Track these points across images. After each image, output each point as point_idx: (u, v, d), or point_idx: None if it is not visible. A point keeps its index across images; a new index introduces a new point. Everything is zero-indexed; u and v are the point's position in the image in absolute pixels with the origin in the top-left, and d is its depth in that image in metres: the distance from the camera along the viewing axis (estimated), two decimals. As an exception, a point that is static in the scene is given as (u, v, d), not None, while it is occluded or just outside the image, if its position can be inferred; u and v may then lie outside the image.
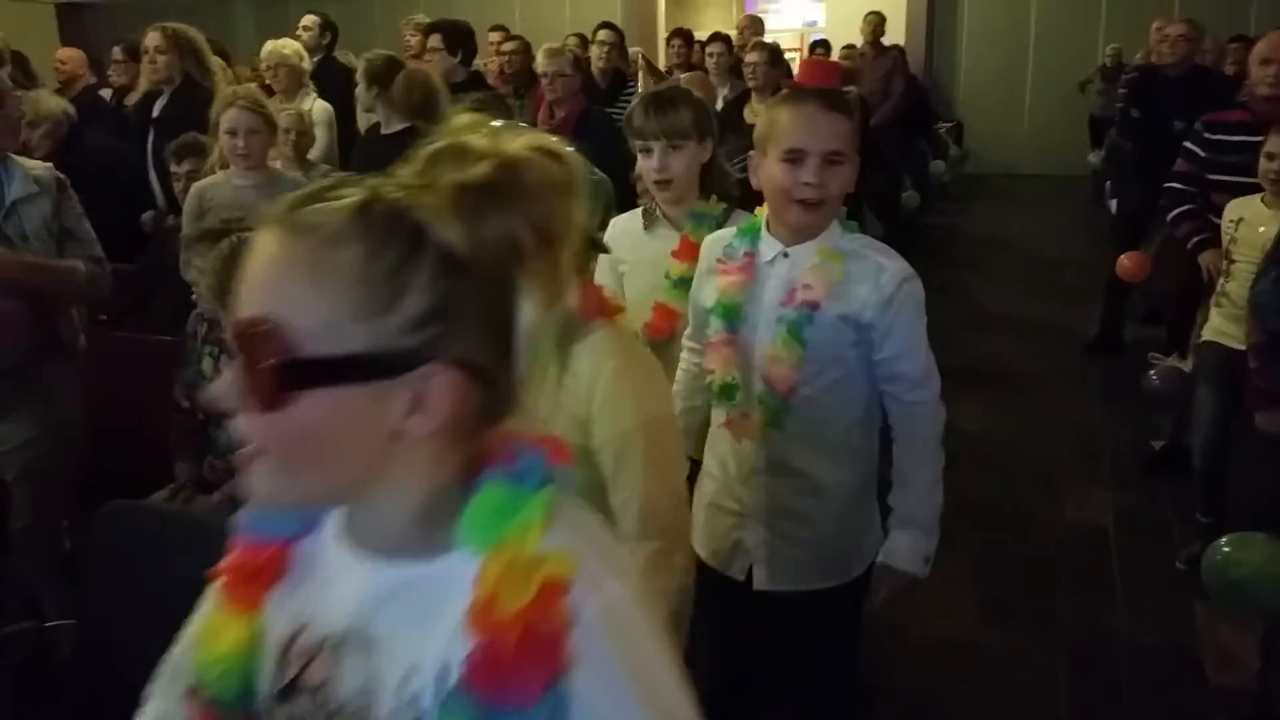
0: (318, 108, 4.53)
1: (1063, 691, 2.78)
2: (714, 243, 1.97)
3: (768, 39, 6.11)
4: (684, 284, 2.16)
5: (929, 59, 11.10)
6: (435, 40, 4.68)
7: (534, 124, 4.67)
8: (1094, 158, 9.10)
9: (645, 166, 2.25)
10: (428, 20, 5.78)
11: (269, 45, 4.73)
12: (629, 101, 5.14)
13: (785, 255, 1.84)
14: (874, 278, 1.79)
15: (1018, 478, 4.05)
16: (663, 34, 10.68)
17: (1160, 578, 3.30)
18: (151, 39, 4.00)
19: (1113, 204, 6.08)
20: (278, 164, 3.41)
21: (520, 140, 0.76)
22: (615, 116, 4.58)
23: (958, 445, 4.20)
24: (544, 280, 0.74)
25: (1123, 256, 4.72)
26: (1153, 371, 3.99)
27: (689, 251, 2.19)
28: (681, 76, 4.75)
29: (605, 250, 1.87)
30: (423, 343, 0.71)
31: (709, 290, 1.93)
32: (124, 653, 1.66)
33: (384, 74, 4.06)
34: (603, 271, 2.32)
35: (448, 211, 0.71)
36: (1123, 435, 4.35)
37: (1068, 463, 4.18)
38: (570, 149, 0.78)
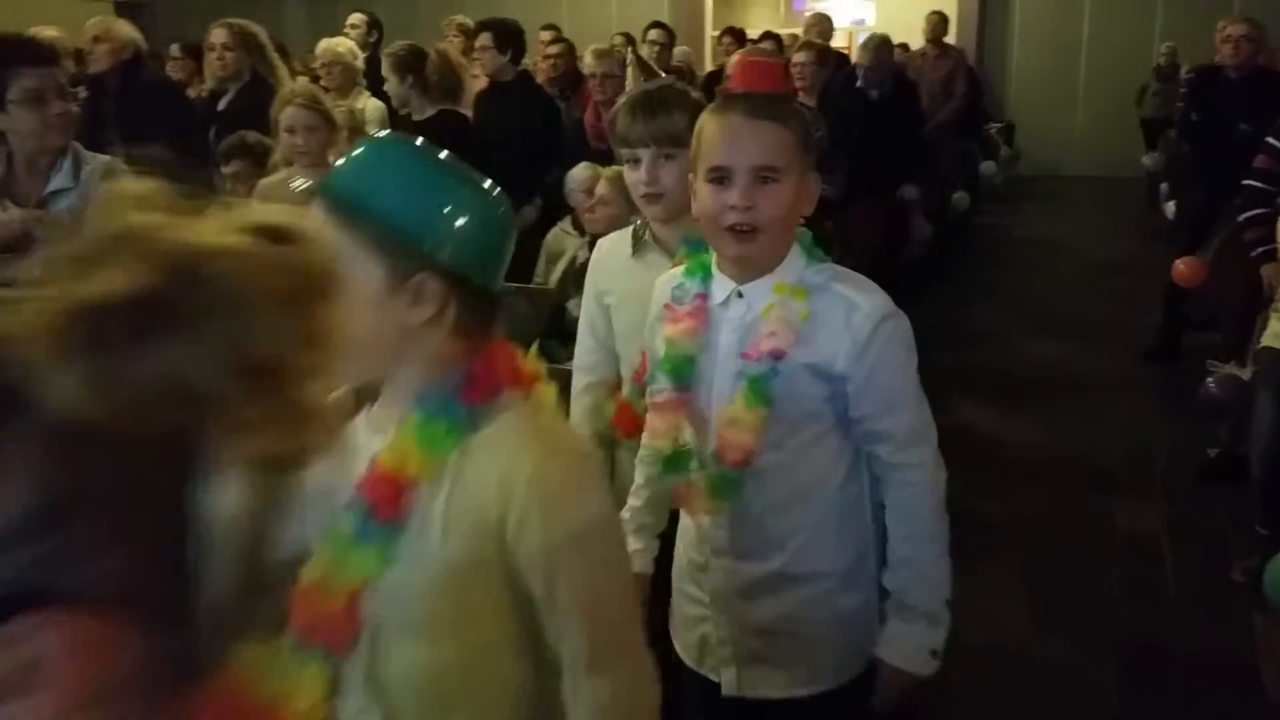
0: (371, 105, 4.57)
1: (1115, 703, 2.73)
2: (664, 284, 1.67)
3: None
4: None
5: (980, 58, 10.97)
6: (485, 39, 4.69)
7: (581, 125, 4.69)
8: (1148, 160, 8.94)
9: (632, 179, 1.94)
10: (469, 20, 5.82)
11: (324, 43, 4.78)
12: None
13: (739, 295, 1.56)
14: (844, 317, 1.50)
15: (1068, 483, 3.99)
16: (710, 33, 10.67)
17: (1216, 589, 3.23)
18: (219, 35, 4.02)
19: (1169, 207, 5.97)
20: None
21: (221, 221, 0.49)
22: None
23: (1007, 451, 4.24)
24: (263, 438, 0.47)
25: (1178, 261, 4.63)
26: (1210, 379, 3.91)
27: None
28: (743, 50, 4.70)
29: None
30: (16, 577, 0.43)
31: (660, 341, 1.64)
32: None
33: (412, 62, 4.19)
34: (589, 304, 2.09)
35: (58, 353, 0.43)
36: (1178, 443, 4.26)
37: (1120, 469, 4.11)
38: (314, 225, 0.53)
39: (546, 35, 5.97)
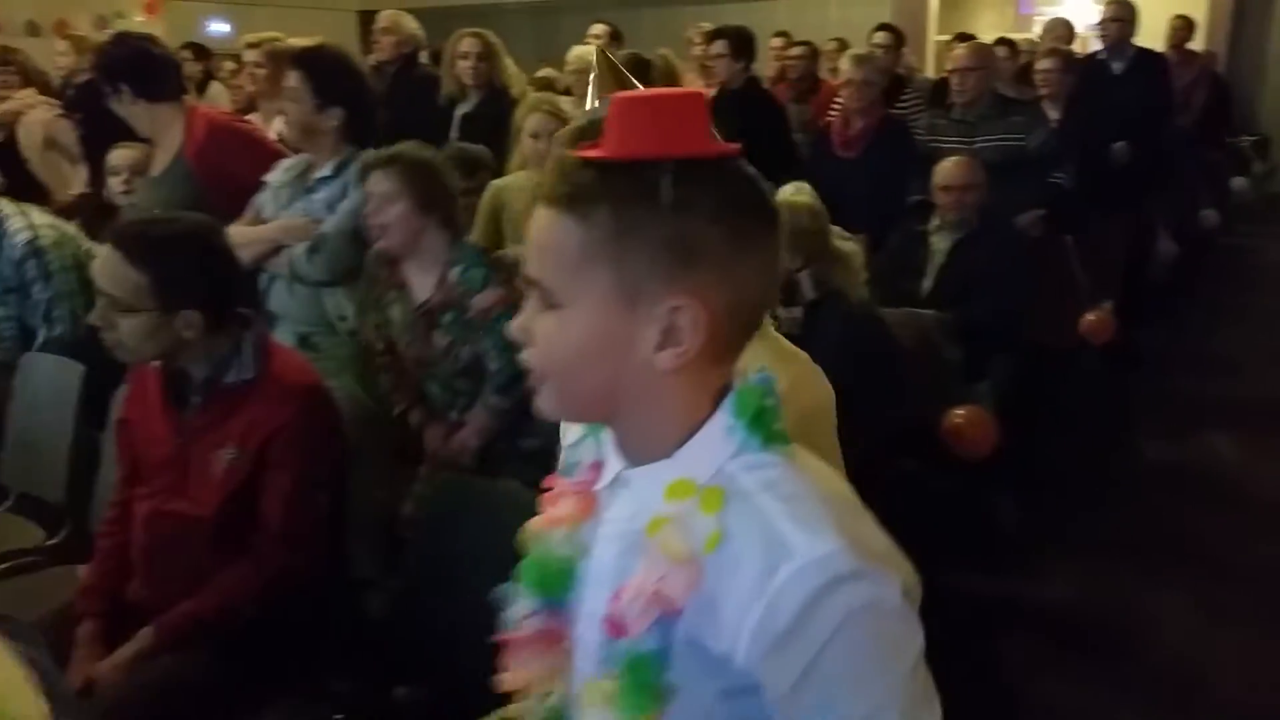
0: (607, 116, 4.67)
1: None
2: (569, 435, 1.11)
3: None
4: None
5: (1231, 65, 10.16)
6: (720, 46, 4.71)
7: (813, 129, 4.64)
8: None
9: None
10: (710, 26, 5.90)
11: (575, 50, 4.91)
12: (905, 107, 5.03)
13: (624, 484, 0.96)
14: (760, 569, 0.81)
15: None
16: (933, 36, 10.35)
17: None
18: (471, 44, 4.20)
19: None
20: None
21: None
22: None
23: (1258, 490, 3.88)
24: None
25: None
26: None
27: None
28: (962, 46, 4.54)
29: None
30: None
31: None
32: (432, 613, 1.78)
33: (636, 70, 4.23)
34: None
35: None
36: None
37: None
38: None
39: (778, 41, 5.98)
